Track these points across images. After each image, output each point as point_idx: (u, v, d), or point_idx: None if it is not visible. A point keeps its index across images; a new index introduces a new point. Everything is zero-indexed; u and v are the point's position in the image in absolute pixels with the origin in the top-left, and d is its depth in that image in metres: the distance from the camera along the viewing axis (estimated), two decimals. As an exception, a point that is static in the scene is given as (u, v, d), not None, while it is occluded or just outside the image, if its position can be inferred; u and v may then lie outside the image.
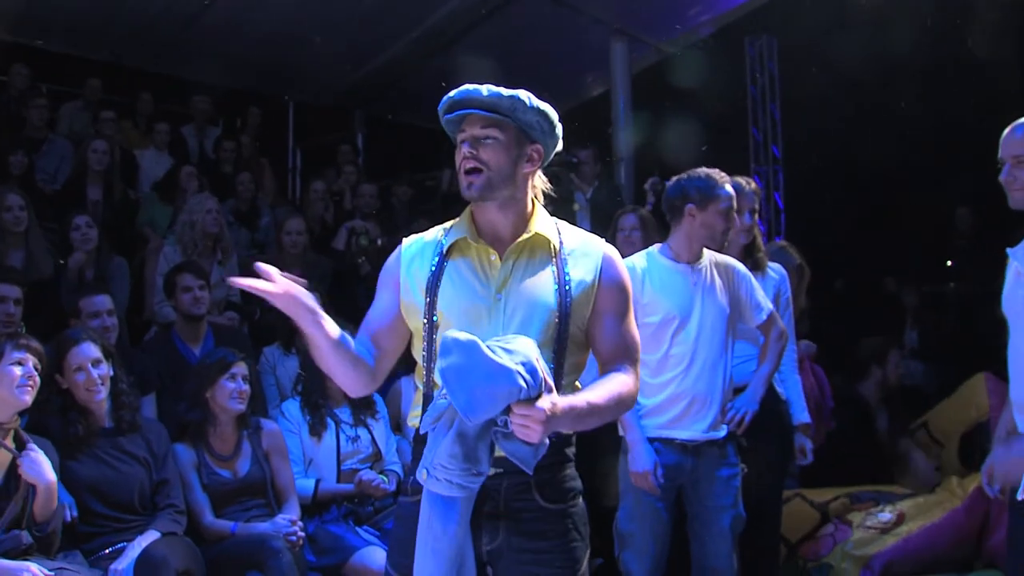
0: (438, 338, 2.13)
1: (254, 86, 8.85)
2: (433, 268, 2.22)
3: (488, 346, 1.94)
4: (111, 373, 3.68)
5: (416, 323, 2.23)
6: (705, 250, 3.61)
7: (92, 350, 3.64)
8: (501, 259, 2.21)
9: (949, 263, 8.55)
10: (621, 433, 3.55)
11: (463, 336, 1.94)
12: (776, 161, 8.97)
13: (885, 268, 9.02)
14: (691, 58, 8.30)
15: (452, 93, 2.20)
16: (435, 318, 2.19)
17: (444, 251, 2.24)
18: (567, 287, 2.21)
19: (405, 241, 2.33)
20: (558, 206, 7.20)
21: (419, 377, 2.28)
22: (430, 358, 2.19)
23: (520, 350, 1.97)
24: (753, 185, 4.24)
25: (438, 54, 8.17)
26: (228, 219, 6.41)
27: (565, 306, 2.19)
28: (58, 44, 7.82)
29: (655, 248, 3.67)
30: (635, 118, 8.01)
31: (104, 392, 3.65)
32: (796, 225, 8.94)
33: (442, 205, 7.08)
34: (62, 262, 5.10)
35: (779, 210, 9.03)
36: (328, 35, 7.70)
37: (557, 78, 8.82)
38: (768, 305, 3.68)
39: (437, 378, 2.12)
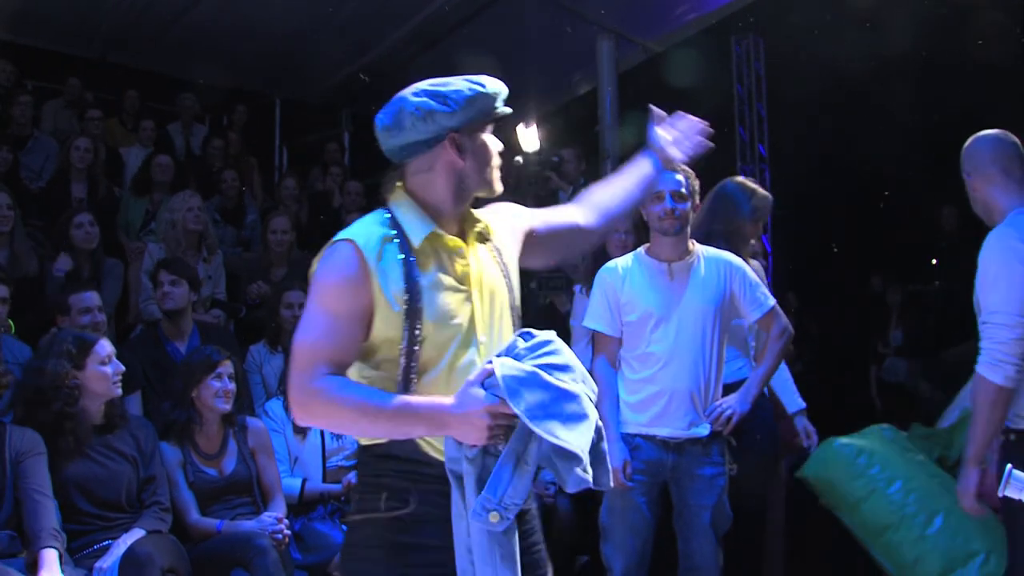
0: (419, 350, 2.01)
1: (241, 84, 8.81)
2: (408, 273, 2.02)
3: (548, 373, 1.87)
4: (122, 368, 3.70)
5: (389, 335, 2.02)
6: (697, 246, 3.63)
7: (109, 345, 3.70)
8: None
9: (934, 262, 8.60)
10: None
11: (521, 370, 1.85)
12: (763, 160, 9.00)
13: (870, 267, 9.06)
14: (678, 57, 8.31)
15: None
16: (418, 333, 2.01)
17: (413, 251, 2.05)
18: (507, 270, 2.20)
19: (359, 241, 2.03)
20: (541, 205, 7.22)
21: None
22: (408, 374, 2.02)
23: (570, 363, 1.92)
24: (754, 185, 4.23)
25: (426, 52, 8.16)
26: (214, 217, 6.40)
27: (512, 289, 2.19)
28: (44, 41, 7.78)
29: (641, 248, 3.68)
30: (622, 116, 8.01)
31: (120, 387, 3.68)
32: (782, 224, 8.97)
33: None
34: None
35: (765, 208, 9.05)
36: (316, 33, 7.68)
37: (544, 76, 8.81)
38: (768, 301, 3.63)
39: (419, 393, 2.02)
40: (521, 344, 1.95)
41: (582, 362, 2.03)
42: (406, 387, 2.02)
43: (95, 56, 8.08)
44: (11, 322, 4.21)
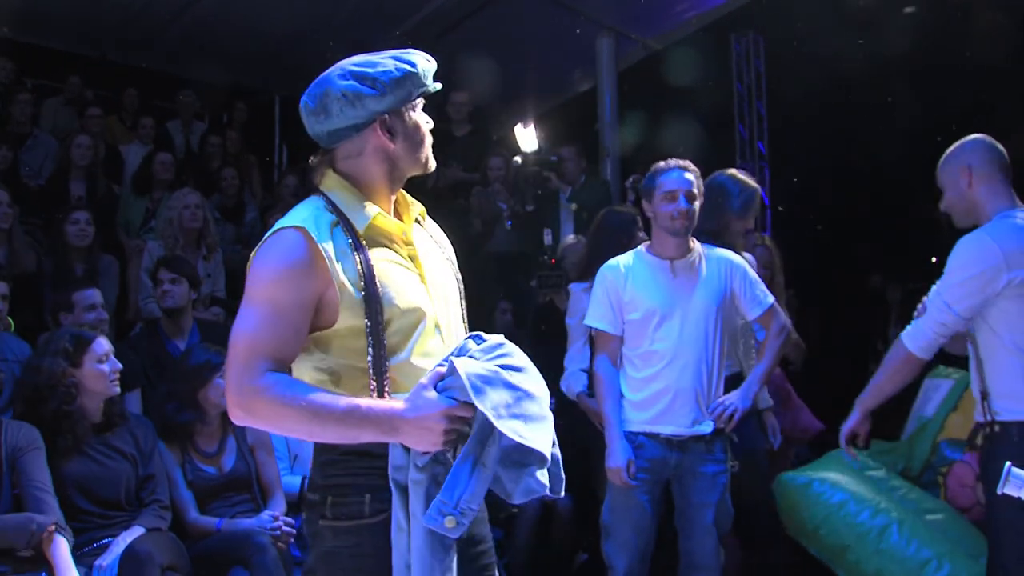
0: (386, 339, 1.94)
1: (240, 81, 8.81)
2: (361, 258, 1.95)
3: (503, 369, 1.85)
4: (119, 367, 3.69)
5: (352, 323, 1.93)
6: (697, 244, 3.63)
7: (107, 343, 3.68)
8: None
9: (934, 260, 8.58)
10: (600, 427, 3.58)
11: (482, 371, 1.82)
12: (762, 158, 8.98)
13: (870, 264, 9.06)
14: (678, 55, 8.31)
15: None
16: (380, 317, 1.93)
17: (359, 236, 1.98)
18: (449, 255, 2.20)
19: (308, 227, 1.93)
20: (541, 204, 7.20)
21: (359, 388, 1.95)
22: (378, 361, 1.94)
23: (525, 366, 1.90)
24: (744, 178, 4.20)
25: (425, 50, 8.14)
26: (214, 215, 6.40)
27: (458, 273, 2.19)
28: (43, 39, 7.77)
29: (642, 246, 3.69)
30: (622, 114, 8.01)
31: (118, 385, 3.66)
32: (782, 222, 8.97)
33: (432, 199, 7.07)
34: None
35: (765, 207, 9.05)
36: (315, 30, 7.68)
37: (544, 74, 8.81)
38: (768, 299, 3.67)
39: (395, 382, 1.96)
40: (473, 346, 1.91)
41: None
42: (379, 375, 1.94)
43: (95, 54, 8.07)
44: (11, 320, 4.21)
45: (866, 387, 3.24)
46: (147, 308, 5.15)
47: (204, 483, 3.86)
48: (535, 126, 7.39)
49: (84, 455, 3.57)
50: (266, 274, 1.92)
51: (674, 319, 3.50)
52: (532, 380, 1.89)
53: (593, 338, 3.87)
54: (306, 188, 7.63)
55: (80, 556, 3.42)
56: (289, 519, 3.81)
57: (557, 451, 1.94)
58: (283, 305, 1.89)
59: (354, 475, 1.96)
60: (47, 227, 5.61)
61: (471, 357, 1.87)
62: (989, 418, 3.02)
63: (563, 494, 1.97)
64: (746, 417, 3.64)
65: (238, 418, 1.90)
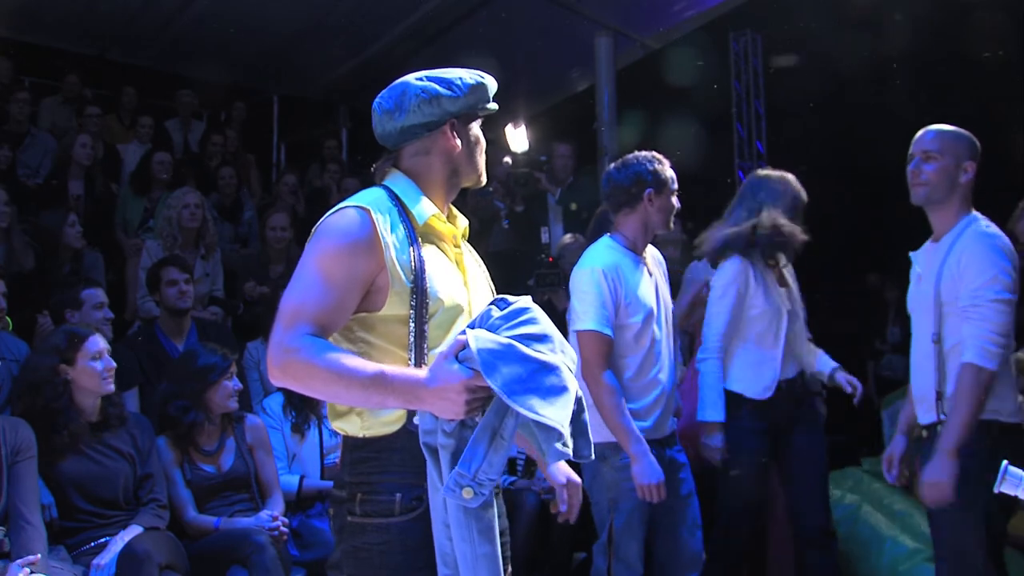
0: (427, 327, 2.00)
1: (239, 80, 8.80)
2: (415, 250, 2.02)
3: (523, 344, 1.82)
4: (114, 365, 3.68)
5: (398, 311, 1.99)
6: None
7: (102, 341, 3.66)
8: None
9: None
10: (601, 440, 3.18)
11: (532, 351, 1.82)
12: (760, 157, 8.97)
13: (868, 263, 9.06)
14: (676, 54, 8.31)
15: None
16: (425, 309, 2.00)
17: (416, 228, 2.07)
18: (483, 269, 2.28)
19: (372, 209, 2.01)
20: (534, 203, 7.12)
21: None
22: (419, 352, 1.99)
23: (548, 333, 1.88)
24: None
25: (424, 49, 8.15)
26: (212, 214, 6.39)
27: (492, 288, 2.25)
28: (41, 38, 7.77)
29: (607, 239, 3.52)
30: (620, 113, 8.00)
31: (112, 384, 3.65)
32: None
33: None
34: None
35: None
36: (314, 29, 7.67)
37: (542, 72, 8.81)
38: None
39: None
40: (496, 313, 1.90)
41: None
42: (417, 364, 1.98)
43: (93, 53, 8.06)
44: (9, 319, 4.21)
45: (947, 428, 3.04)
46: (145, 307, 5.14)
47: (203, 482, 3.85)
48: (533, 125, 7.38)
49: (82, 454, 3.56)
50: (326, 246, 1.99)
51: (661, 319, 3.44)
52: (553, 348, 1.87)
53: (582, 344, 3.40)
54: (304, 187, 7.65)
55: (78, 555, 3.43)
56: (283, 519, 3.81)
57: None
58: (337, 278, 1.95)
59: (385, 473, 2.01)
60: (39, 225, 5.60)
61: (491, 326, 1.87)
62: (942, 417, 3.08)
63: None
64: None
65: (275, 377, 1.93)
